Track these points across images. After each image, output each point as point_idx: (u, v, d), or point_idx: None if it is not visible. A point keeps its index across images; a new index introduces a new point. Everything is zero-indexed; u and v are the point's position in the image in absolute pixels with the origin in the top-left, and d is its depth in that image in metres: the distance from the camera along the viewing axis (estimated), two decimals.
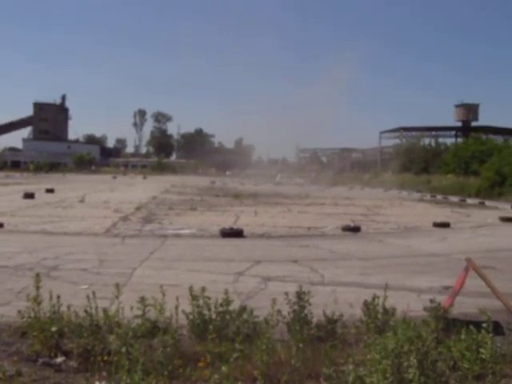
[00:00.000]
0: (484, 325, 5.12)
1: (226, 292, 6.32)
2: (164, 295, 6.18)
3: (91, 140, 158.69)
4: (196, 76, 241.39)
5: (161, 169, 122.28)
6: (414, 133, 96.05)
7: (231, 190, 47.64)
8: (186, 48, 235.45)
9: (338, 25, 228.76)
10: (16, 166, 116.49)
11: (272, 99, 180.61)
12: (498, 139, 78.70)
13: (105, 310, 5.92)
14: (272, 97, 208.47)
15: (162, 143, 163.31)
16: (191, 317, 6.20)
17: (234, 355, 4.94)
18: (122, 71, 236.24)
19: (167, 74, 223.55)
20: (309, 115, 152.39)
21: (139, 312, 6.00)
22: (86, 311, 5.84)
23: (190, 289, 6.27)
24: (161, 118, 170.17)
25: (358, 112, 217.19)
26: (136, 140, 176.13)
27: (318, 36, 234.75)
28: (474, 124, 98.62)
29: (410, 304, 7.87)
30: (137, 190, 45.59)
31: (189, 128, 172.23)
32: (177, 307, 6.11)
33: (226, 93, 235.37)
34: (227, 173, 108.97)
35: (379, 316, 6.50)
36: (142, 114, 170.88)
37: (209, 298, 6.22)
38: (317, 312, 6.40)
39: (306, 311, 6.08)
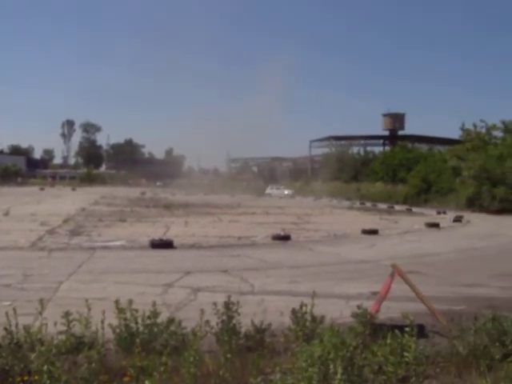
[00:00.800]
0: (407, 329, 5.22)
1: (154, 304, 6.22)
2: (90, 309, 6.00)
3: (16, 151, 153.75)
4: (125, 86, 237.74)
5: (90, 180, 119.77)
6: (343, 141, 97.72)
7: (162, 201, 47.16)
8: (115, 58, 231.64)
9: (270, 34, 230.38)
10: None
11: (202, 109, 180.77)
12: (423, 147, 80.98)
13: (26, 327, 5.70)
14: (202, 107, 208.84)
15: (90, 154, 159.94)
16: (118, 330, 6.06)
17: (161, 368, 4.85)
18: (49, 80, 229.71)
19: (96, 83, 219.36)
20: (239, 125, 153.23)
21: (64, 327, 5.82)
22: (5, 329, 5.61)
23: (117, 302, 6.13)
24: (89, 128, 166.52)
25: (288, 121, 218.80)
26: (64, 151, 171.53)
27: (248, 46, 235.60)
28: (400, 133, 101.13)
29: (338, 311, 7.97)
30: (65, 201, 44.46)
31: (118, 138, 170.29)
32: (103, 321, 5.95)
33: (156, 103, 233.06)
34: (158, 183, 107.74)
35: (308, 324, 6.53)
36: (70, 124, 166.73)
37: (136, 311, 6.10)
38: (246, 322, 6.38)
39: (234, 321, 6.05)
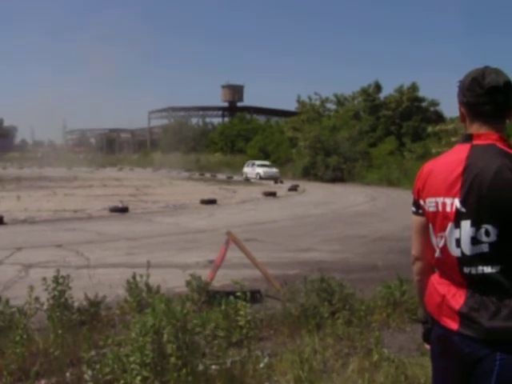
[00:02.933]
0: (239, 294, 5.31)
1: None
2: None
3: None
4: None
5: None
6: (182, 113, 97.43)
7: None
8: None
9: (103, 7, 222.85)
10: None
11: (37, 79, 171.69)
12: (261, 119, 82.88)
13: None
14: (36, 77, 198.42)
15: None
16: None
17: None
18: None
19: None
20: (75, 96, 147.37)
21: None
22: None
23: None
24: None
25: (127, 93, 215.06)
26: None
27: (80, 18, 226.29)
28: (239, 104, 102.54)
29: (175, 280, 7.96)
30: None
31: None
32: None
33: None
34: None
35: (144, 294, 6.46)
36: None
37: None
38: (80, 296, 6.17)
39: (66, 296, 5.81)
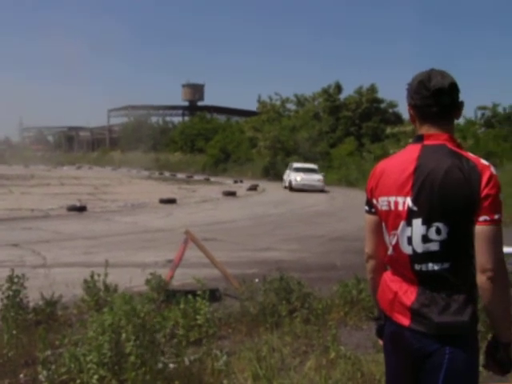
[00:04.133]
0: (199, 293, 5.32)
1: None
2: None
3: None
4: None
5: None
6: (142, 111, 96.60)
7: None
8: None
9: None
10: None
11: None
12: (222, 118, 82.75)
13: None
14: None
15: None
16: None
17: None
18: None
19: None
20: (32, 93, 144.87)
21: None
22: None
23: None
24: None
25: (85, 90, 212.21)
26: None
27: (38, 14, 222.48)
28: (200, 103, 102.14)
29: (133, 279, 7.90)
30: None
31: None
32: None
33: None
34: None
35: (101, 293, 6.41)
36: None
37: None
38: (36, 296, 6.10)
39: (21, 296, 5.72)
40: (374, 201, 2.44)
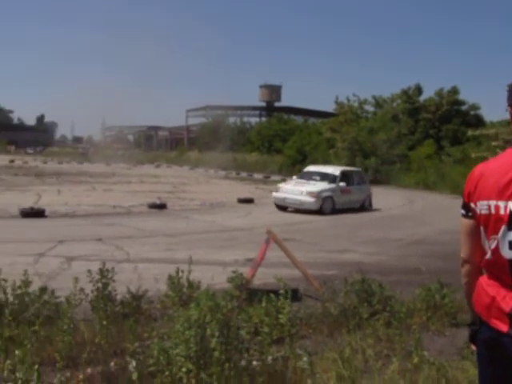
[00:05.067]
0: (281, 292, 5.37)
1: (25, 273, 5.95)
2: None
3: None
4: None
5: None
6: (219, 112, 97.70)
7: (33, 169, 45.08)
8: None
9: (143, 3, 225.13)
10: None
11: (78, 76, 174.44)
12: (299, 119, 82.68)
13: None
14: (78, 74, 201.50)
15: None
16: None
17: (33, 338, 4.69)
18: None
19: None
20: (114, 93, 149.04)
21: None
22: None
23: None
24: None
25: (165, 90, 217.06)
26: None
27: (122, 15, 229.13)
28: (277, 104, 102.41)
29: (215, 277, 8.04)
30: None
31: None
32: None
33: (27, 67, 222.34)
34: (29, 151, 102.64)
35: (184, 290, 6.56)
36: None
37: (5, 281, 5.82)
38: (122, 289, 6.28)
39: (109, 288, 5.94)
40: (472, 205, 2.39)
